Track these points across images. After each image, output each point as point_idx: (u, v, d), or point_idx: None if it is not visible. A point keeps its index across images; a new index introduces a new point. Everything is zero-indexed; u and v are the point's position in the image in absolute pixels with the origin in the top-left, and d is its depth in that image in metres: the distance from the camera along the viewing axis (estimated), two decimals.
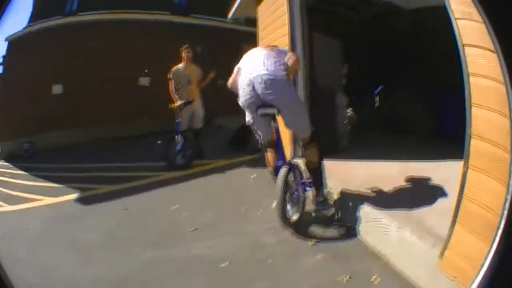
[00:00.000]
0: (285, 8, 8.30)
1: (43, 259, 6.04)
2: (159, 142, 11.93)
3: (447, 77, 3.87)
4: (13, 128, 14.39)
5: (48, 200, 9.14)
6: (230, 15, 12.97)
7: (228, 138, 11.87)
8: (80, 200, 8.93)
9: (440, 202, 4.14)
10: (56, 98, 15.15)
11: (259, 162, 8.61)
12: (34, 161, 13.69)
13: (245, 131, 10.71)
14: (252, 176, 8.45)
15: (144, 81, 15.84)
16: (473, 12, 2.88)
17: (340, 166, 6.89)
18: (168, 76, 10.49)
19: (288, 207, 5.46)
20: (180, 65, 10.44)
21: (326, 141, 7.60)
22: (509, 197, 1.77)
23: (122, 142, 13.43)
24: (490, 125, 2.89)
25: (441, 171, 4.68)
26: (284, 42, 8.15)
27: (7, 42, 15.02)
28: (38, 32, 15.25)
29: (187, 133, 10.14)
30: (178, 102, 10.07)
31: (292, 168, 5.61)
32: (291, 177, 5.55)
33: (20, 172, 12.48)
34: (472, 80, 3.10)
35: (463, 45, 3.18)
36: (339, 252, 4.71)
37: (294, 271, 4.48)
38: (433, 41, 4.72)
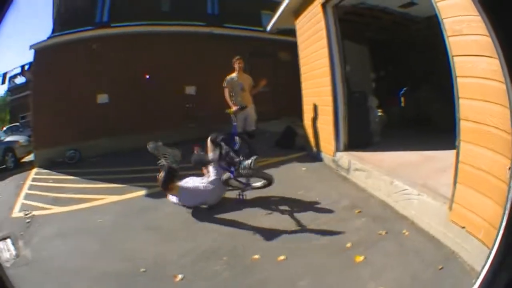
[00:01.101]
0: (322, 24, 9.35)
1: (123, 245, 6.86)
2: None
3: None
4: (52, 136, 14.90)
5: (112, 198, 9.75)
6: (269, 27, 13.62)
7: (276, 139, 12.64)
8: (149, 195, 9.52)
9: (450, 177, 5.04)
10: (101, 107, 15.62)
11: (306, 158, 10.41)
12: (79, 166, 14.12)
13: (291, 132, 12.04)
14: (303, 169, 9.78)
15: (190, 89, 16.44)
16: (463, 28, 4.35)
17: (373, 156, 8.29)
18: (223, 85, 10.90)
19: None
20: (233, 74, 10.88)
21: (361, 137, 9.23)
22: (510, 198, 1.94)
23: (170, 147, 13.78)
24: (474, 110, 4.25)
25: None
26: (324, 53, 9.43)
27: (33, 50, 15.31)
28: (72, 41, 15.56)
29: (242, 135, 10.36)
30: (234, 108, 10.34)
31: None
32: None
33: (65, 177, 13.04)
34: (459, 80, 4.49)
35: (453, 56, 4.57)
36: (377, 216, 6.17)
37: (346, 230, 5.89)
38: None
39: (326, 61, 9.44)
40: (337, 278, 4.75)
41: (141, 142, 14.07)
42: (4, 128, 19.07)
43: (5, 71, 17.13)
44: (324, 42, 9.48)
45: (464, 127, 4.49)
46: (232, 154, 7.87)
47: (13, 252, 7.27)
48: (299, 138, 12.22)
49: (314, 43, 10.26)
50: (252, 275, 5.17)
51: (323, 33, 9.46)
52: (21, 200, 10.86)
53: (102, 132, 15.07)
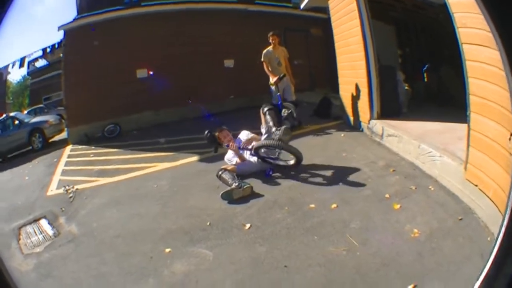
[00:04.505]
0: (355, 5, 10.06)
1: (185, 204, 7.52)
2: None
3: None
4: (88, 112, 15.35)
5: (164, 166, 10.23)
6: (302, 4, 14.12)
7: (314, 109, 13.39)
8: (203, 160, 10.01)
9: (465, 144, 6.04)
10: (140, 81, 15.98)
11: (343, 126, 11.26)
12: (120, 140, 14.53)
13: (327, 102, 12.73)
14: (342, 135, 10.63)
15: (229, 63, 17.03)
16: (467, 22, 5.38)
17: (403, 124, 9.22)
18: (261, 59, 11.66)
19: None
20: (270, 48, 11.66)
21: (392, 107, 10.09)
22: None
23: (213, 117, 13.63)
24: (481, 87, 5.25)
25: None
26: (357, 31, 10.24)
27: (62, 31, 15.45)
28: (102, 21, 15.79)
29: (288, 104, 10.88)
30: (274, 78, 11.16)
31: None
32: None
33: (107, 150, 13.47)
34: (468, 63, 5.51)
35: (462, 43, 5.61)
36: (408, 174, 7.26)
37: (384, 184, 6.98)
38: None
39: (359, 38, 10.22)
40: (381, 221, 5.79)
41: (181, 115, 15.05)
42: (25, 111, 18.95)
43: (23, 55, 17.29)
44: (357, 21, 10.21)
45: (473, 101, 5.48)
46: (271, 124, 8.60)
47: (50, 232, 7.47)
48: (335, 107, 12.91)
49: (347, 22, 10.94)
50: (311, 219, 6.14)
51: (356, 13, 10.19)
52: (57, 177, 11.23)
53: (142, 106, 15.71)
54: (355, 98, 11.28)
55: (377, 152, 8.92)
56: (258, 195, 7.36)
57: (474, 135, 5.57)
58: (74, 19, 15.97)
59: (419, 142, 7.74)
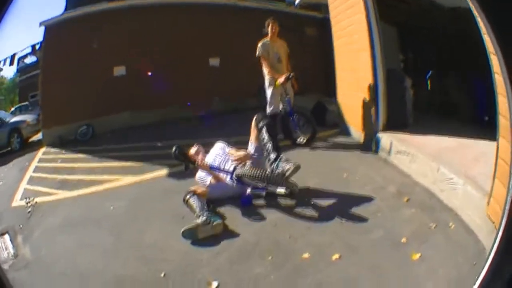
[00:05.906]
0: None
1: (140, 240, 6.40)
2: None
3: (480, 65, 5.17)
4: (63, 112, 14.72)
5: (127, 180, 9.39)
6: (297, 0, 13.72)
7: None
8: (173, 175, 9.00)
9: (488, 167, 5.19)
10: (117, 80, 15.43)
11: (340, 135, 10.39)
12: (92, 143, 13.87)
13: (322, 108, 11.85)
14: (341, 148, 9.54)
15: (214, 61, 16.23)
16: None
17: (413, 138, 8.30)
18: (258, 53, 9.76)
19: None
20: (266, 40, 9.85)
21: (398, 117, 9.29)
22: (509, 198, 2.08)
23: (194, 122, 13.31)
24: (505, 106, 4.44)
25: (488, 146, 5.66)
26: (362, 28, 9.25)
27: (43, 27, 15.00)
28: (83, 16, 15.28)
29: (301, 112, 10.17)
30: (282, 78, 9.56)
31: None
32: None
33: (76, 155, 12.86)
34: (496, 76, 4.68)
35: (490, 53, 4.68)
36: (425, 206, 6.18)
37: (399, 221, 5.88)
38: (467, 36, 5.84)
39: (365, 35, 9.22)
40: (398, 279, 4.67)
41: (161, 116, 14.66)
42: (12, 109, 18.81)
43: (13, 52, 16.73)
44: (362, 16, 9.24)
45: (501, 123, 4.69)
46: (270, 146, 7.08)
47: (11, 251, 6.94)
48: (330, 113, 12.12)
49: (350, 16, 10.02)
50: (305, 277, 4.84)
51: (361, 5, 9.20)
52: (23, 185, 10.59)
53: (119, 106, 15.13)
54: (357, 106, 10.05)
55: (385, 172, 7.77)
56: (232, 234, 6.08)
57: (501, 165, 4.77)
58: (60, 15, 15.57)
59: (438, 164, 6.81)
